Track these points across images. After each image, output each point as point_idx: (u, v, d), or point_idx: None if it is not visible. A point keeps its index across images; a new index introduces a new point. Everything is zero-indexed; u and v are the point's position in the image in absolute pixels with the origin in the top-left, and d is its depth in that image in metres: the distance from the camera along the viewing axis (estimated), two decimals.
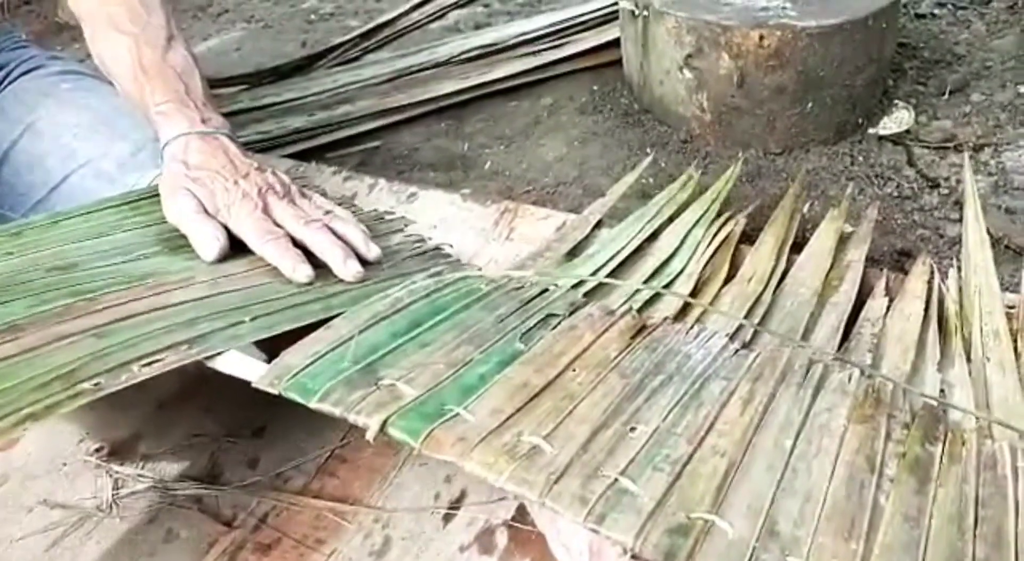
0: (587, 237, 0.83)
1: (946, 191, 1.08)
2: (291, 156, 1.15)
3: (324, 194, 0.80)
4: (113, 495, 0.65)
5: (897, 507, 0.48)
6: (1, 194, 0.89)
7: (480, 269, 0.77)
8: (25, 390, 0.49)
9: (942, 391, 0.63)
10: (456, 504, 0.64)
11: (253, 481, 0.67)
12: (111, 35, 0.82)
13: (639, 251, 0.81)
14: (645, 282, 0.75)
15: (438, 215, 0.90)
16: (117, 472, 0.68)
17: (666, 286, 0.75)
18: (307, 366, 0.54)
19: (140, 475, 0.67)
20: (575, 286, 0.70)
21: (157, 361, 0.54)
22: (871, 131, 1.20)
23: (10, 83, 0.94)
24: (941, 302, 0.74)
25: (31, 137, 0.89)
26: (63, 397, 0.49)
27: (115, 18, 0.82)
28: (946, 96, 1.29)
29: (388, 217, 0.83)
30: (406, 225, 0.82)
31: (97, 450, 0.70)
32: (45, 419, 0.48)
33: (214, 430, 0.72)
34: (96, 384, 0.51)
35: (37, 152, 0.88)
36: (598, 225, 0.86)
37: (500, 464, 0.47)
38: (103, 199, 0.77)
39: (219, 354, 0.56)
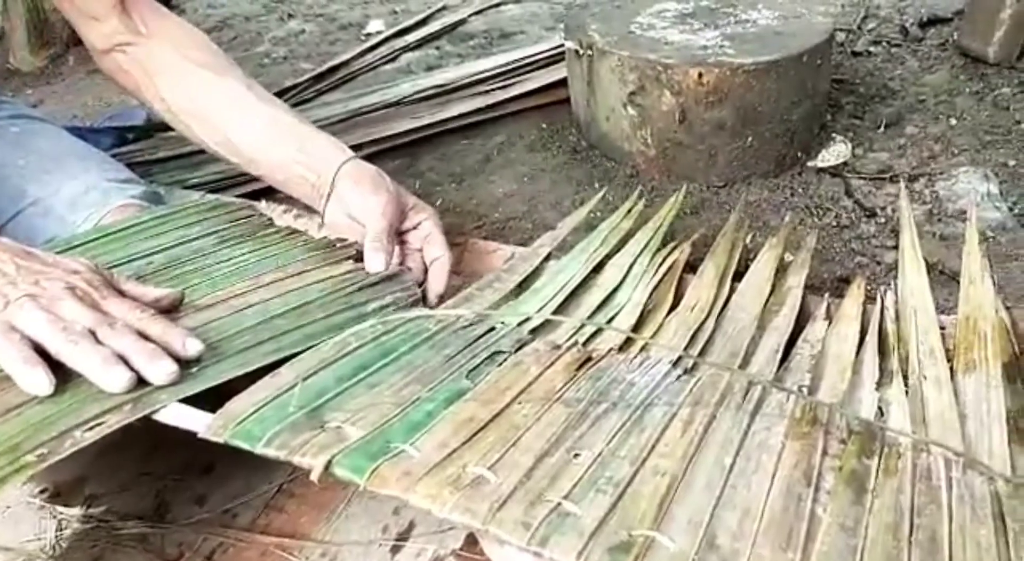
0: (536, 269, 0.85)
1: (883, 220, 1.12)
2: (244, 195, 1.15)
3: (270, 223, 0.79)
4: (57, 536, 0.64)
5: (834, 518, 0.50)
6: None
7: (430, 308, 0.78)
8: None
9: (880, 409, 0.65)
10: (405, 535, 0.64)
11: (200, 518, 0.66)
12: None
13: (586, 283, 0.82)
14: (592, 314, 0.77)
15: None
16: (61, 513, 0.67)
17: (612, 317, 0.76)
18: (252, 413, 0.54)
19: (85, 516, 0.66)
20: (522, 322, 0.71)
21: (100, 424, 0.53)
22: (810, 164, 1.24)
23: None
24: (880, 324, 0.76)
25: None
26: (8, 472, 0.49)
27: None
28: (882, 129, 1.34)
29: (339, 244, 0.83)
30: (357, 251, 0.83)
31: (41, 491, 0.69)
32: None
33: (161, 469, 0.71)
34: (40, 455, 0.50)
35: None
36: (547, 258, 0.87)
37: (444, 495, 0.48)
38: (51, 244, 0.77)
39: (161, 408, 0.55)
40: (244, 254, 0.78)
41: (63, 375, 0.56)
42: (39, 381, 0.55)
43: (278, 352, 0.63)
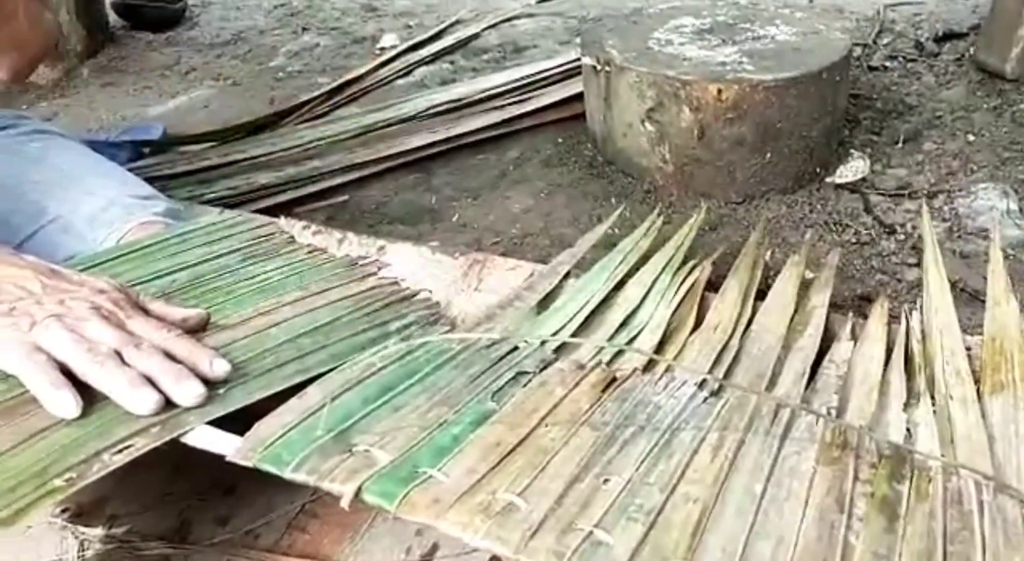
0: (556, 287, 0.84)
1: (902, 237, 1.11)
2: (260, 211, 1.16)
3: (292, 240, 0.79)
4: (79, 556, 0.64)
5: (867, 546, 0.49)
6: None
7: (450, 326, 0.77)
8: None
9: (908, 430, 0.64)
10: (428, 556, 0.64)
11: (223, 539, 0.66)
12: None
13: (607, 301, 0.82)
14: (614, 333, 0.76)
15: (407, 268, 0.90)
16: (83, 533, 0.66)
17: (634, 336, 0.76)
18: (280, 437, 0.54)
19: (107, 536, 0.66)
20: (545, 342, 0.71)
21: (128, 446, 0.52)
22: (828, 180, 1.23)
23: None
24: (906, 345, 0.75)
25: None
26: (35, 497, 0.48)
27: None
28: (899, 145, 1.34)
29: (361, 261, 0.83)
30: (379, 268, 0.82)
31: (63, 511, 0.68)
32: (16, 524, 0.46)
33: (184, 489, 0.71)
34: (68, 479, 0.50)
35: (4, 209, 0.88)
36: (566, 276, 0.87)
37: (475, 523, 0.47)
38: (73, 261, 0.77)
39: (189, 430, 0.55)
40: (268, 272, 0.78)
41: (89, 397, 0.56)
42: (66, 404, 0.54)
43: (304, 373, 0.62)
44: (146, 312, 0.63)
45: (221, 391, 0.59)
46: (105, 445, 0.52)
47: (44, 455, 0.51)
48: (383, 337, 0.70)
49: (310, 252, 0.84)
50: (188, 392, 0.56)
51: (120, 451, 0.52)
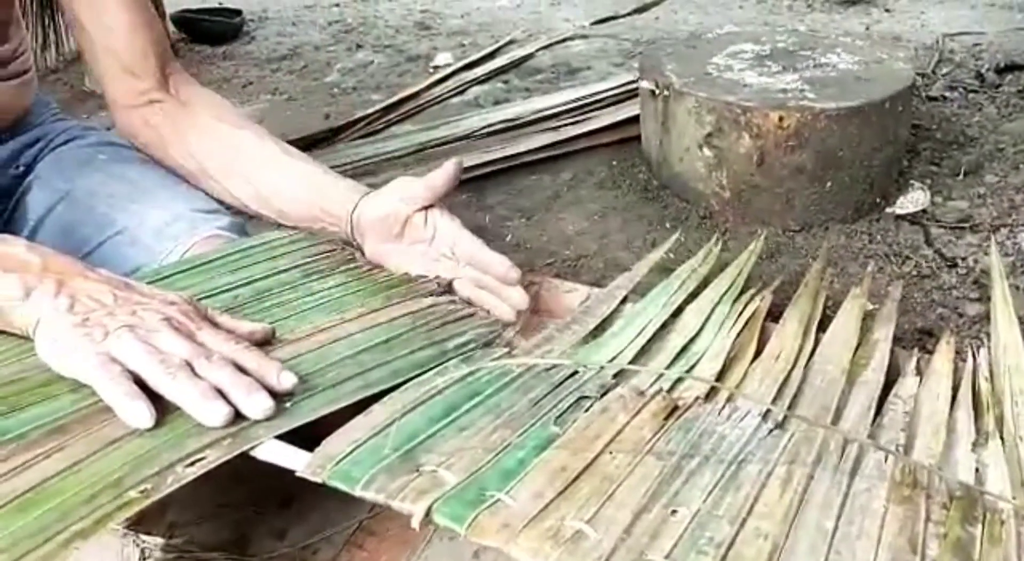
0: (613, 312, 0.84)
1: (964, 271, 1.09)
2: None
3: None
4: None
5: None
6: None
7: (508, 346, 0.77)
8: (74, 505, 0.48)
9: (977, 470, 0.63)
10: None
11: (281, 553, 0.66)
12: None
13: (664, 327, 0.81)
14: (673, 360, 0.76)
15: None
16: (144, 542, 0.67)
17: (694, 364, 0.75)
18: (348, 454, 0.54)
19: (168, 545, 0.67)
20: (604, 367, 0.70)
21: (200, 459, 0.53)
22: (888, 210, 1.22)
23: (49, 152, 0.96)
24: (972, 382, 0.74)
25: (67, 205, 0.91)
26: (112, 509, 0.48)
27: None
28: (961, 177, 1.31)
29: (420, 279, 0.83)
30: (439, 284, 0.83)
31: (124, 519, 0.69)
32: (94, 535, 0.46)
33: (241, 499, 0.71)
34: (144, 491, 0.50)
35: (72, 220, 0.90)
36: (623, 300, 0.86)
37: (546, 550, 0.47)
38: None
39: (260, 444, 0.55)
40: (329, 288, 0.78)
41: (161, 407, 0.57)
42: (141, 414, 0.55)
43: (366, 388, 0.63)
44: (215, 325, 0.64)
45: (288, 405, 0.59)
46: (178, 457, 0.53)
47: (119, 465, 0.52)
48: (441, 355, 0.70)
49: (369, 269, 0.85)
50: (258, 405, 0.57)
51: (192, 463, 0.52)
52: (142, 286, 0.65)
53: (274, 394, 0.59)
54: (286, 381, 0.60)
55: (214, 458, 0.53)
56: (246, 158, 0.89)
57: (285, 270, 0.81)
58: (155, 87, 0.90)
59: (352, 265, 0.85)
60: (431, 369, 0.66)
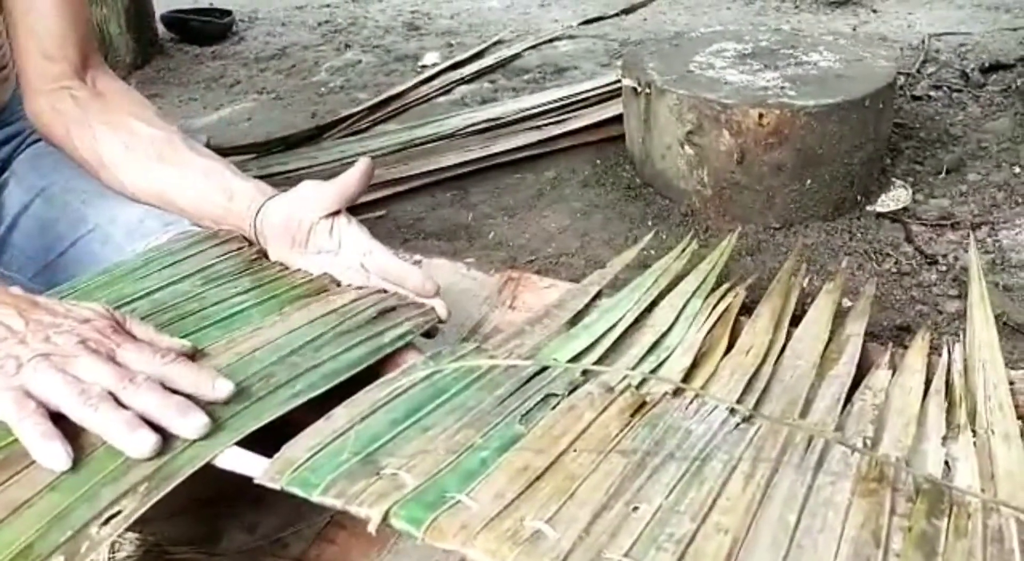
0: (587, 306, 0.84)
1: (944, 268, 1.09)
2: None
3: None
4: (110, 558, 0.64)
5: None
6: (11, 257, 0.89)
7: (481, 341, 0.77)
8: None
9: (947, 463, 0.63)
10: None
11: (251, 546, 0.66)
12: None
13: (638, 322, 0.81)
14: (644, 355, 0.75)
15: (443, 283, 0.90)
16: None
17: (665, 359, 0.75)
18: (307, 459, 0.53)
19: (137, 539, 0.66)
20: (573, 359, 0.70)
21: (117, 513, 0.48)
22: (869, 208, 1.22)
23: (25, 148, 0.95)
24: (946, 377, 0.74)
25: (43, 202, 0.90)
26: None
27: None
28: (943, 175, 1.32)
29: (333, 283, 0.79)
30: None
31: None
32: None
33: (213, 495, 0.71)
34: None
35: (48, 217, 0.89)
36: (598, 295, 0.86)
37: (503, 551, 0.47)
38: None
39: (181, 482, 0.52)
40: (238, 294, 0.73)
41: (78, 446, 0.52)
42: (57, 456, 0.51)
43: (299, 395, 0.60)
44: (133, 337, 0.60)
45: (220, 418, 0.56)
46: (93, 515, 0.49)
47: (31, 530, 0.48)
48: (378, 350, 0.68)
49: (280, 269, 0.80)
50: (192, 425, 0.54)
51: (107, 521, 0.48)
52: (54, 304, 0.61)
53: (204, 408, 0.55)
54: (222, 389, 0.57)
55: (131, 510, 0.49)
56: (149, 153, 0.84)
57: (186, 277, 0.75)
58: (69, 74, 0.86)
59: (261, 266, 0.79)
60: (371, 365, 0.64)
